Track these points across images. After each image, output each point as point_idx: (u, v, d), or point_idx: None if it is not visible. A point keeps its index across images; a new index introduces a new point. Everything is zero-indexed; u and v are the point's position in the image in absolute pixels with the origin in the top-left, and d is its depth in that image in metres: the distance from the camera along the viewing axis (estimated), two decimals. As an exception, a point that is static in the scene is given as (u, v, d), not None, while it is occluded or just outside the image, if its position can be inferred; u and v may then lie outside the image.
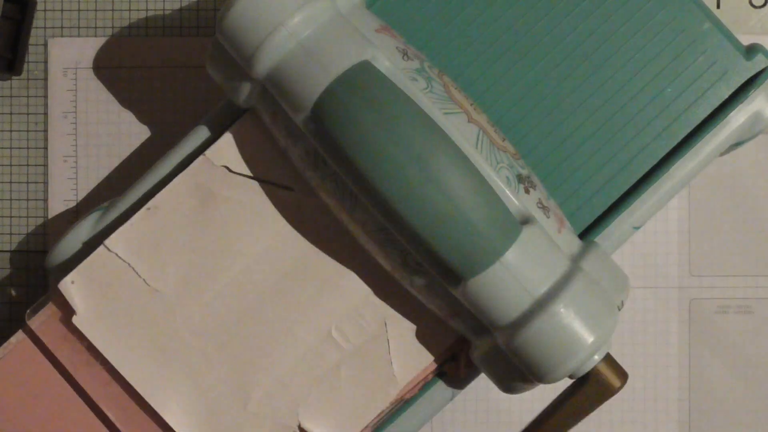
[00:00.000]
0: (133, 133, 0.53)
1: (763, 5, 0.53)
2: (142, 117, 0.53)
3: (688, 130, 0.46)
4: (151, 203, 0.45)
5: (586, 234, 0.45)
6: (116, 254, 0.45)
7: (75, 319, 0.44)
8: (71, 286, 0.44)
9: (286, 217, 0.45)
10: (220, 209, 0.45)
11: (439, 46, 0.46)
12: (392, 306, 0.45)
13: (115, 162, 0.53)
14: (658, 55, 0.46)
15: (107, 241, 0.45)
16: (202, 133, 0.46)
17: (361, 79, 0.40)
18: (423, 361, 0.45)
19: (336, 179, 0.42)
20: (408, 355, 0.45)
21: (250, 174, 0.45)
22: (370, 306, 0.45)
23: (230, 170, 0.45)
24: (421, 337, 0.45)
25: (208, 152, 0.45)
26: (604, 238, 0.45)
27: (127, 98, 0.53)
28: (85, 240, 0.46)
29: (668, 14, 0.46)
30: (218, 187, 0.45)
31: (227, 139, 0.45)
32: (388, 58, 0.41)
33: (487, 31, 0.46)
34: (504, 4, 0.46)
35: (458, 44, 0.46)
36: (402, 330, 0.45)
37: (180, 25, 0.53)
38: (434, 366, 0.45)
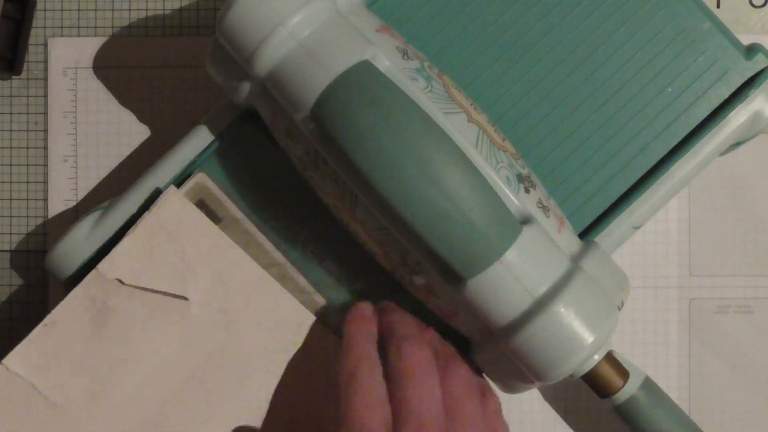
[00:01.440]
0: (133, 133, 0.53)
1: (763, 5, 0.53)
2: (142, 117, 0.53)
3: (688, 129, 0.46)
4: (47, 319, 0.45)
5: (586, 234, 0.45)
6: (16, 373, 0.44)
7: None
8: None
9: (181, 325, 0.45)
10: (116, 321, 0.45)
11: (439, 46, 0.46)
12: (294, 413, 0.45)
13: (115, 162, 0.53)
14: (658, 55, 0.46)
15: (5, 360, 0.44)
16: (202, 132, 0.46)
17: (361, 78, 0.40)
18: None
19: (336, 179, 0.42)
20: None
21: (142, 286, 0.45)
22: (269, 414, 0.45)
23: (122, 282, 0.45)
24: None
25: (100, 266, 0.45)
26: (604, 237, 0.45)
27: (127, 98, 0.53)
28: (85, 240, 0.46)
29: (668, 14, 0.46)
30: (113, 299, 0.45)
31: (119, 252, 0.45)
32: (388, 58, 0.41)
33: (487, 31, 0.46)
34: (504, 4, 0.46)
35: (458, 44, 0.46)
36: None
37: (180, 25, 0.53)
38: None
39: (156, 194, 0.46)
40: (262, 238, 0.46)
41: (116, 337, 0.44)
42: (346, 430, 0.38)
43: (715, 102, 0.46)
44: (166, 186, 0.46)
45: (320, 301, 0.46)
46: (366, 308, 0.44)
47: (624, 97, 0.46)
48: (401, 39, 0.44)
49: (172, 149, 0.47)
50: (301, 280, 0.46)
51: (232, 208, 0.46)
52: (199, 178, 0.46)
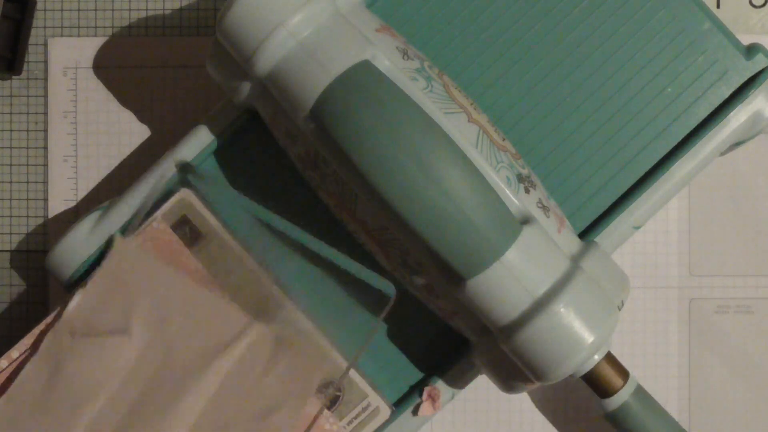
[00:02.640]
0: (133, 133, 0.53)
1: (763, 5, 0.53)
2: (142, 117, 0.53)
3: (688, 129, 0.46)
4: (9, 391, 0.45)
5: (586, 234, 0.45)
6: None
7: None
8: None
9: (126, 357, 0.45)
10: (67, 373, 0.45)
11: (439, 46, 0.46)
12: (233, 408, 0.45)
13: (115, 162, 0.53)
14: (658, 55, 0.46)
15: None
16: (202, 133, 0.46)
17: (361, 78, 0.40)
18: None
19: (336, 179, 0.42)
20: None
21: (92, 333, 0.45)
22: (208, 415, 0.45)
23: (73, 336, 0.45)
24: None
25: (57, 325, 0.45)
26: (604, 237, 0.45)
27: (127, 98, 0.53)
28: (85, 240, 0.46)
29: (668, 14, 0.46)
30: (64, 354, 0.45)
31: (72, 308, 0.45)
32: (388, 58, 0.41)
33: (487, 31, 0.46)
34: (504, 4, 0.46)
35: (458, 44, 0.46)
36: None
37: (180, 25, 0.53)
38: None
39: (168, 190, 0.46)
40: (244, 255, 0.46)
41: (67, 389, 0.45)
42: None
43: (715, 102, 0.46)
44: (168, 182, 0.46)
45: (301, 318, 0.46)
46: None
47: (624, 97, 0.46)
48: (401, 39, 0.44)
49: (172, 149, 0.47)
50: (282, 298, 0.46)
51: (215, 225, 0.46)
52: (183, 194, 0.46)
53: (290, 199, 0.47)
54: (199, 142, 0.46)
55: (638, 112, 0.46)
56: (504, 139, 0.43)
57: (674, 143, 0.46)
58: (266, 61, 0.41)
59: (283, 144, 0.44)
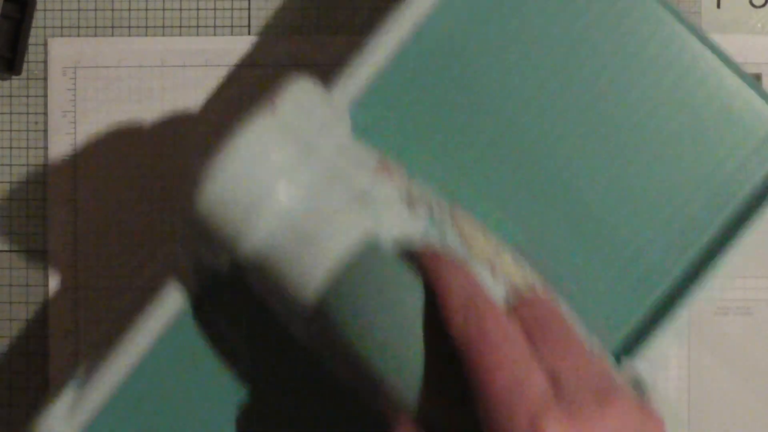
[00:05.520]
0: (133, 133, 0.53)
1: (763, 5, 0.53)
2: (142, 117, 0.53)
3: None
4: None
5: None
6: None
7: None
8: None
9: None
10: None
11: (443, 172, 0.40)
12: None
13: (115, 162, 0.53)
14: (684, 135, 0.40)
15: None
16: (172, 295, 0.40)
17: (368, 266, 0.35)
18: None
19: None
20: None
21: None
22: None
23: None
24: None
25: None
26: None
27: (127, 98, 0.53)
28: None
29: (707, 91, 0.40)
30: None
31: None
32: (395, 223, 0.36)
33: (490, 142, 0.41)
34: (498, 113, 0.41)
35: (459, 162, 0.41)
36: None
37: (180, 25, 0.53)
38: None
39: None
40: None
41: None
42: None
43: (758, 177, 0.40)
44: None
45: None
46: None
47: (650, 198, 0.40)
48: (402, 173, 0.38)
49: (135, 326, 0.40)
50: None
51: None
52: None
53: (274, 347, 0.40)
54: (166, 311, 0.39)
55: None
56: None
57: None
58: (254, 242, 0.35)
59: (283, 321, 0.38)
